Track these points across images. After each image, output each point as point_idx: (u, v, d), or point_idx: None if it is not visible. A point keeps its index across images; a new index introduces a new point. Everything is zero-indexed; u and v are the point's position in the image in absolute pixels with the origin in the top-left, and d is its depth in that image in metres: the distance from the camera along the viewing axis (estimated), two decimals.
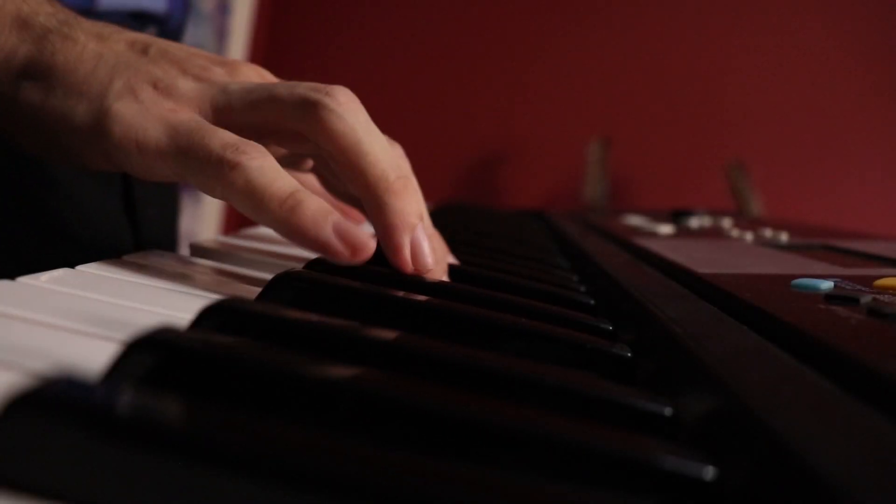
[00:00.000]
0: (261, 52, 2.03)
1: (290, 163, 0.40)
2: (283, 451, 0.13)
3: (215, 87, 0.33)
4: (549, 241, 0.69)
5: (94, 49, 0.32)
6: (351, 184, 0.32)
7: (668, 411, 0.20)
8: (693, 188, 1.91)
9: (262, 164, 0.29)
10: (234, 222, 1.96)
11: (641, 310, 0.28)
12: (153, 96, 0.31)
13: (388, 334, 0.23)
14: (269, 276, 0.29)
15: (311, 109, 0.31)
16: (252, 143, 0.30)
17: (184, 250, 0.39)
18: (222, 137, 0.30)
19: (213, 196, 0.31)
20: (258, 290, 0.29)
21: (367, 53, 2.03)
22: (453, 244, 0.45)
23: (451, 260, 0.39)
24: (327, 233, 0.29)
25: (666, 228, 0.64)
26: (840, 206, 1.85)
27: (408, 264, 0.32)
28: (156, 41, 0.34)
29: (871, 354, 0.19)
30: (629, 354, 0.26)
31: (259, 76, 0.36)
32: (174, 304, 0.27)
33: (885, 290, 0.29)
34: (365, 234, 0.29)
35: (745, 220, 0.88)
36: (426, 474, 0.13)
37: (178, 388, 0.17)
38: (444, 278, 0.35)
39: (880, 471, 0.13)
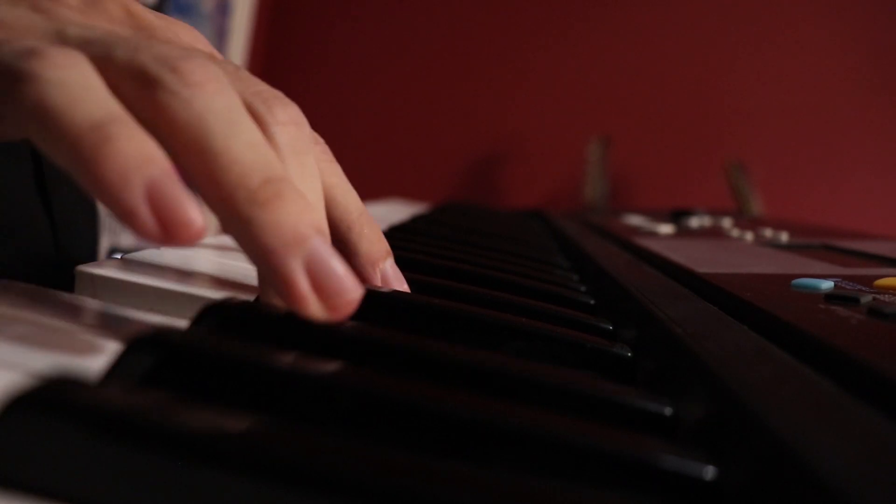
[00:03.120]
0: (261, 52, 2.03)
1: None
2: (283, 451, 0.13)
3: (50, 24, 0.24)
4: (550, 240, 0.69)
5: None
6: (203, 197, 0.22)
7: (668, 411, 0.20)
8: (693, 188, 1.91)
9: (65, 76, 0.20)
10: None
11: (642, 310, 0.28)
12: None
13: (389, 334, 0.23)
14: None
15: (150, 88, 0.22)
16: (66, 49, 0.22)
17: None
18: (25, 43, 0.22)
19: (3, 127, 0.22)
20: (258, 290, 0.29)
21: (367, 53, 2.03)
22: (453, 244, 0.45)
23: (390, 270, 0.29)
24: (134, 195, 0.19)
25: (666, 228, 0.64)
26: (840, 206, 1.85)
27: (305, 300, 0.21)
28: None
29: (871, 354, 0.19)
30: (629, 354, 0.26)
31: (127, 15, 0.27)
32: (174, 304, 0.27)
33: (885, 290, 0.29)
34: (192, 210, 0.20)
35: (745, 220, 0.88)
36: (426, 474, 0.13)
37: (179, 388, 0.17)
38: (391, 278, 0.28)
39: (880, 471, 0.13)
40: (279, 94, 0.26)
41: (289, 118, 0.25)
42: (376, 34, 2.04)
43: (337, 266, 0.21)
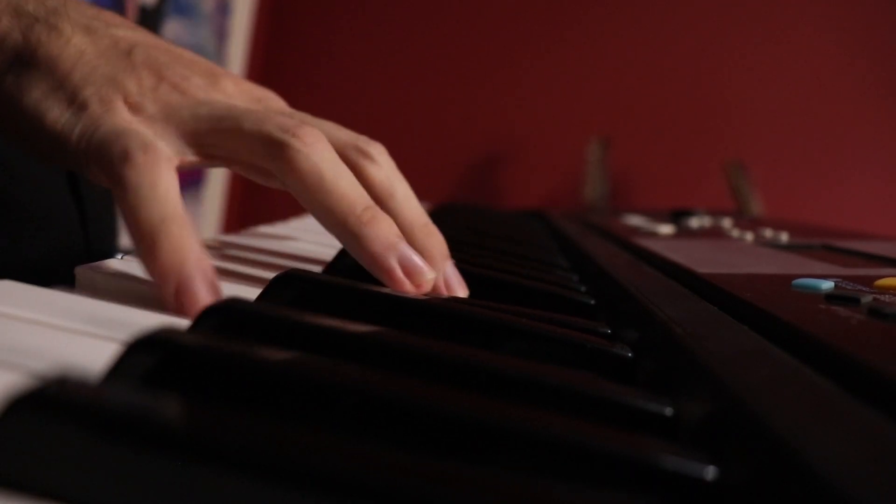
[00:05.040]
0: (260, 52, 2.02)
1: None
2: (283, 451, 0.13)
3: (185, 108, 0.32)
4: (550, 240, 0.69)
5: (77, 44, 0.32)
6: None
7: (668, 411, 0.20)
8: (693, 188, 1.91)
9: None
10: (234, 222, 1.96)
11: (642, 310, 0.28)
12: (118, 109, 0.31)
13: (390, 334, 0.23)
14: (270, 276, 0.29)
15: (277, 150, 0.31)
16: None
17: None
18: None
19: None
20: (259, 289, 0.29)
21: (367, 54, 2.03)
22: (454, 244, 0.44)
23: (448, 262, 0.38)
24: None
25: (666, 228, 0.64)
26: (840, 206, 1.85)
27: (405, 284, 0.31)
28: (142, 42, 0.33)
29: (872, 354, 0.19)
30: (629, 354, 0.26)
31: (239, 91, 0.35)
32: None
33: (885, 290, 0.29)
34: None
35: (745, 220, 0.88)
36: (426, 474, 0.13)
37: (179, 388, 0.17)
38: (453, 278, 0.35)
39: (880, 471, 0.13)
40: (364, 137, 0.36)
41: (377, 152, 0.36)
42: (376, 34, 2.04)
43: (417, 259, 0.31)
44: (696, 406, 0.19)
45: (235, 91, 0.35)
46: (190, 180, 1.78)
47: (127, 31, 0.33)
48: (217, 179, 1.88)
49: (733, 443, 0.16)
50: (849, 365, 0.19)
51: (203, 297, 0.26)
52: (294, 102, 0.38)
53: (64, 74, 0.31)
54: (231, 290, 0.30)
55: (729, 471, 0.16)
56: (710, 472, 0.16)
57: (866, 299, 0.27)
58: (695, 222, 0.75)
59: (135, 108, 0.31)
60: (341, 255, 0.38)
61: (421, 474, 0.13)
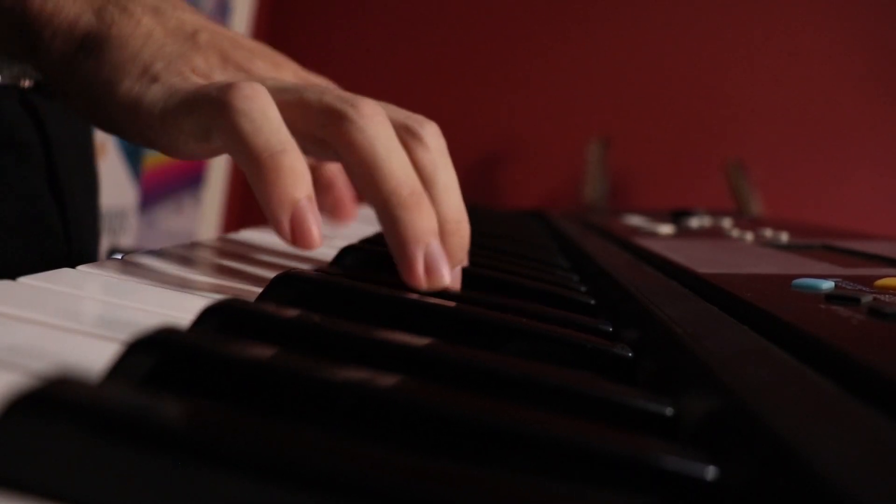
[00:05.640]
0: None
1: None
2: (283, 451, 0.13)
3: (251, 80, 0.33)
4: (550, 240, 0.69)
5: (146, 24, 0.34)
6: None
7: (669, 411, 0.20)
8: (693, 188, 1.91)
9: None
10: (234, 222, 1.96)
11: (642, 310, 0.28)
12: (190, 77, 0.33)
13: (390, 335, 0.23)
14: (270, 276, 0.29)
15: (335, 119, 0.31)
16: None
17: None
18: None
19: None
20: (259, 289, 0.29)
21: (368, 54, 2.03)
22: None
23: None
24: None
25: (666, 228, 0.64)
26: (840, 206, 1.85)
27: (420, 279, 0.30)
28: (206, 27, 0.35)
29: (872, 354, 0.19)
30: (630, 354, 0.26)
31: (296, 76, 0.37)
32: (175, 304, 0.27)
33: (885, 290, 0.29)
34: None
35: (745, 220, 0.88)
36: (427, 474, 0.13)
37: (179, 388, 0.17)
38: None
39: (880, 471, 0.13)
40: (419, 117, 0.35)
41: (428, 134, 0.35)
42: (375, 34, 2.04)
43: (442, 261, 0.31)
44: (697, 406, 0.19)
45: (295, 78, 0.37)
46: (190, 181, 1.78)
47: (191, 15, 0.36)
48: (217, 180, 1.88)
49: (733, 443, 0.16)
50: (849, 365, 0.19)
51: (315, 230, 0.29)
52: None
53: (135, 51, 0.33)
54: (231, 289, 0.30)
55: (729, 471, 0.16)
56: (711, 472, 0.16)
57: (866, 299, 0.27)
58: (695, 222, 0.75)
59: (202, 77, 0.34)
60: (342, 255, 0.38)
61: (422, 475, 0.13)
